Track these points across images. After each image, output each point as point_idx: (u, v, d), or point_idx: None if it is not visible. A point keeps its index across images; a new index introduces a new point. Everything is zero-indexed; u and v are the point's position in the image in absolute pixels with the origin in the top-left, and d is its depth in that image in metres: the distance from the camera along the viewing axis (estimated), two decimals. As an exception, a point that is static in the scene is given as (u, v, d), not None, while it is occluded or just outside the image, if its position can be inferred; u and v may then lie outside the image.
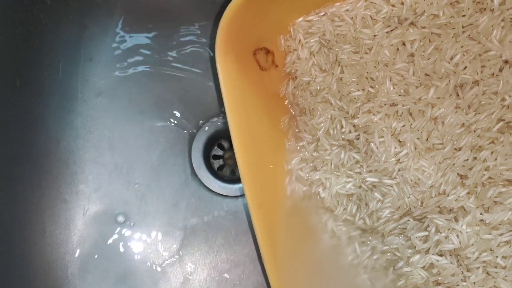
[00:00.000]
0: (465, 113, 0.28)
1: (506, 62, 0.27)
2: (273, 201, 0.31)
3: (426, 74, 0.28)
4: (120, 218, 0.37)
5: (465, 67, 0.27)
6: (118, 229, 0.37)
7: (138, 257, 0.37)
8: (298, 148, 0.31)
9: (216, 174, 0.39)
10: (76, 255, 0.37)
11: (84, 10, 0.38)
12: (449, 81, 0.27)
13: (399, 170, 0.29)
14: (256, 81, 0.30)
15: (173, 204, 0.38)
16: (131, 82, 0.39)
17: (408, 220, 0.29)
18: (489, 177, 0.28)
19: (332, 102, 0.29)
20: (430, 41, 0.28)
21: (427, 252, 0.29)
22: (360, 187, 0.30)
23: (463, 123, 0.28)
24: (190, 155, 0.39)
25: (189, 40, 0.38)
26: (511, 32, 0.26)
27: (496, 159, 0.27)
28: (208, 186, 0.38)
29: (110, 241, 0.37)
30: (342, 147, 0.30)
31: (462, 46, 0.27)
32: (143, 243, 0.37)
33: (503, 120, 0.27)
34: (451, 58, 0.27)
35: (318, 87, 0.30)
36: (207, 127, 0.38)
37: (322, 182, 0.30)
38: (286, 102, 0.32)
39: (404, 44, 0.28)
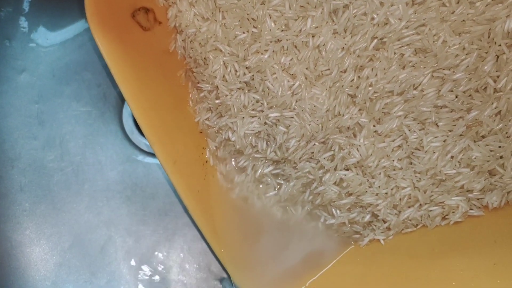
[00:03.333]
0: (343, 37, 0.29)
1: (369, -19, 0.28)
2: (186, 155, 0.32)
3: (301, 6, 0.29)
4: (59, 188, 0.38)
5: (334, -7, 0.28)
6: (60, 199, 0.38)
7: (82, 224, 0.38)
8: (201, 98, 0.33)
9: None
10: (17, 227, 0.38)
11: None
12: (323, 9, 0.29)
13: (296, 101, 0.31)
14: (142, 44, 0.30)
15: (111, 169, 0.39)
16: (52, 57, 0.39)
17: (314, 145, 0.32)
18: (375, 92, 0.30)
19: (222, 49, 0.31)
20: (296, -27, 0.29)
21: (335, 169, 0.32)
22: (265, 123, 0.32)
23: (343, 47, 0.29)
24: (121, 121, 0.40)
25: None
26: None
27: (376, 75, 0.29)
28: (144, 149, 0.39)
29: (52, 210, 0.38)
30: (241, 90, 0.32)
31: (327, -27, 0.28)
32: (85, 209, 0.38)
33: (376, 37, 0.29)
34: (320, -13, 0.28)
35: (205, 36, 0.30)
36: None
37: (229, 126, 0.32)
38: (179, 57, 0.32)
39: (274, -20, 0.29)
